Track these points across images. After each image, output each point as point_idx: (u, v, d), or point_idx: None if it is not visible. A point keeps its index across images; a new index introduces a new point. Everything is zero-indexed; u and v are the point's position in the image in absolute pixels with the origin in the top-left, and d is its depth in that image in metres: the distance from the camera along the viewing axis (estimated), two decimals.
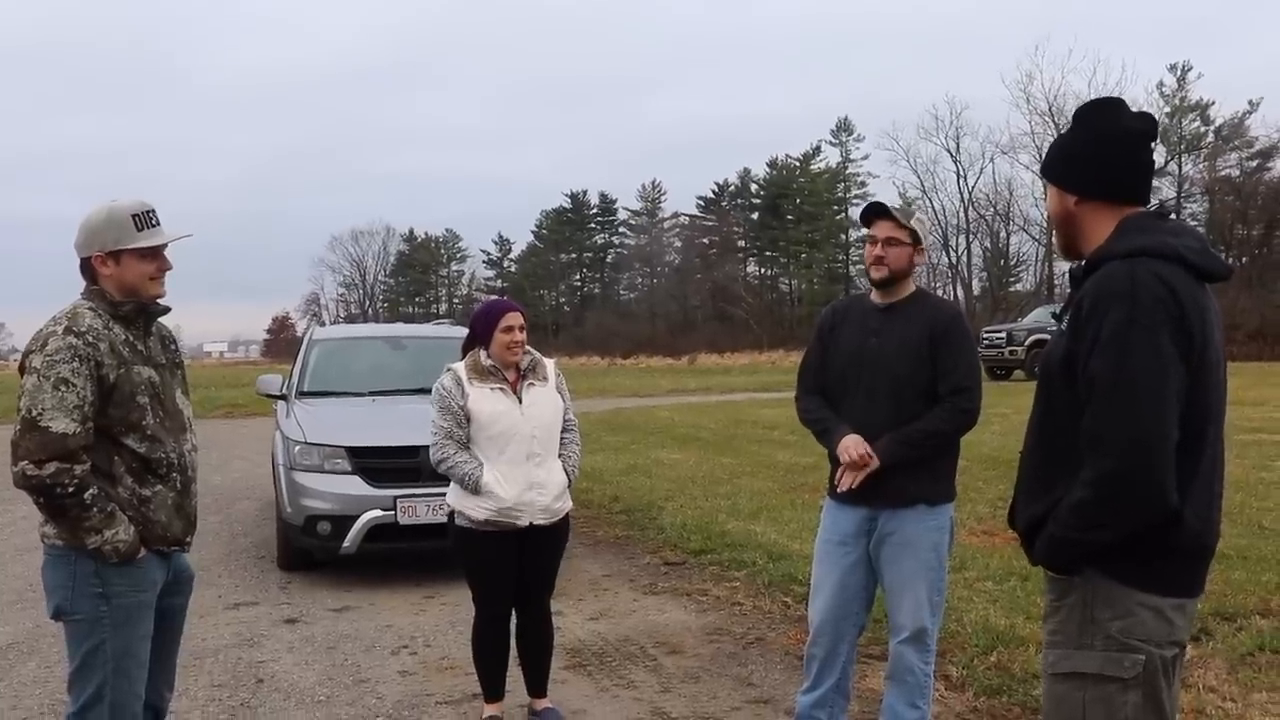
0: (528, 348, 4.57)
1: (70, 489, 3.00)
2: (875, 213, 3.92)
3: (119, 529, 3.09)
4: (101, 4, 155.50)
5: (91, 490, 3.04)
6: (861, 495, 3.88)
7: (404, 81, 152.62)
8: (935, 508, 3.88)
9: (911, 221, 3.89)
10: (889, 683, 4.00)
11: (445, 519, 4.76)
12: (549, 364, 4.68)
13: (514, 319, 4.47)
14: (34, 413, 2.99)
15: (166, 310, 3.34)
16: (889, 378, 3.84)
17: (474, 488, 4.37)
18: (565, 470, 4.58)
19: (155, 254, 3.24)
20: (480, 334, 4.53)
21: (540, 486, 4.45)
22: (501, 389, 4.46)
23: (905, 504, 3.84)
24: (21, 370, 3.11)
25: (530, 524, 4.44)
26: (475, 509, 4.40)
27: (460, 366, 4.55)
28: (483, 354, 4.51)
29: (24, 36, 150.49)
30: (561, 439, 4.62)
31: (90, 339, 3.07)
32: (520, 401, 4.47)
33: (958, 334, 3.89)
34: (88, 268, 3.23)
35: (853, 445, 3.82)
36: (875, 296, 3.99)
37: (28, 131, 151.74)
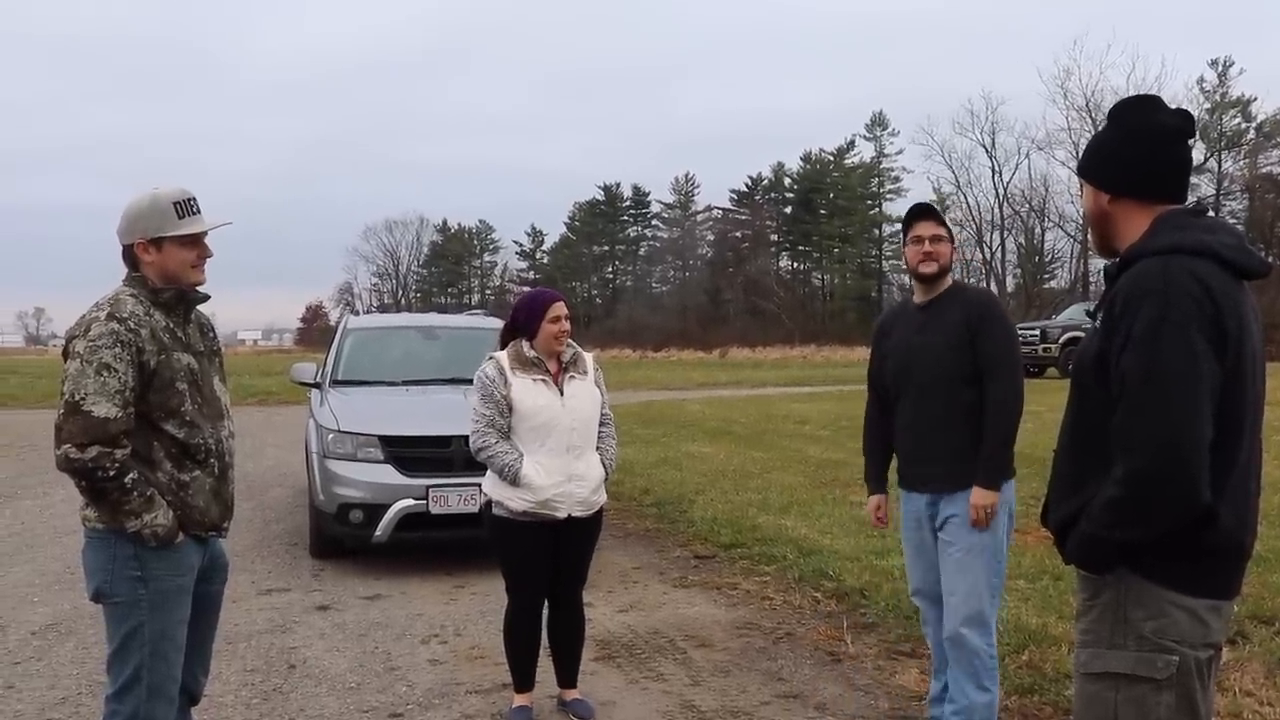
0: (570, 341, 4.57)
1: (111, 473, 3.04)
2: (919, 214, 4.15)
3: (158, 513, 3.13)
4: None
5: (132, 474, 3.09)
6: (922, 481, 4.13)
7: (439, 71, 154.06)
8: (995, 498, 3.97)
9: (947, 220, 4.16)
10: (954, 668, 4.06)
11: (477, 509, 4.77)
12: (588, 357, 4.70)
13: (560, 309, 4.48)
14: (77, 397, 3.04)
15: (206, 298, 3.38)
16: (935, 372, 4.04)
17: (513, 479, 4.38)
18: (603, 464, 4.60)
19: (196, 241, 3.28)
20: (525, 324, 4.52)
21: (580, 479, 4.47)
22: (544, 380, 4.46)
23: (963, 487, 3.98)
24: (65, 355, 3.16)
25: (568, 516, 4.46)
26: (514, 500, 4.41)
27: (503, 356, 4.53)
28: (525, 344, 4.51)
29: (61, 27, 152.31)
30: (599, 433, 4.64)
31: (132, 325, 3.12)
32: (561, 394, 4.48)
33: (991, 318, 4.06)
34: (130, 255, 3.27)
35: (871, 510, 4.46)
36: (918, 296, 4.19)
37: (67, 120, 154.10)
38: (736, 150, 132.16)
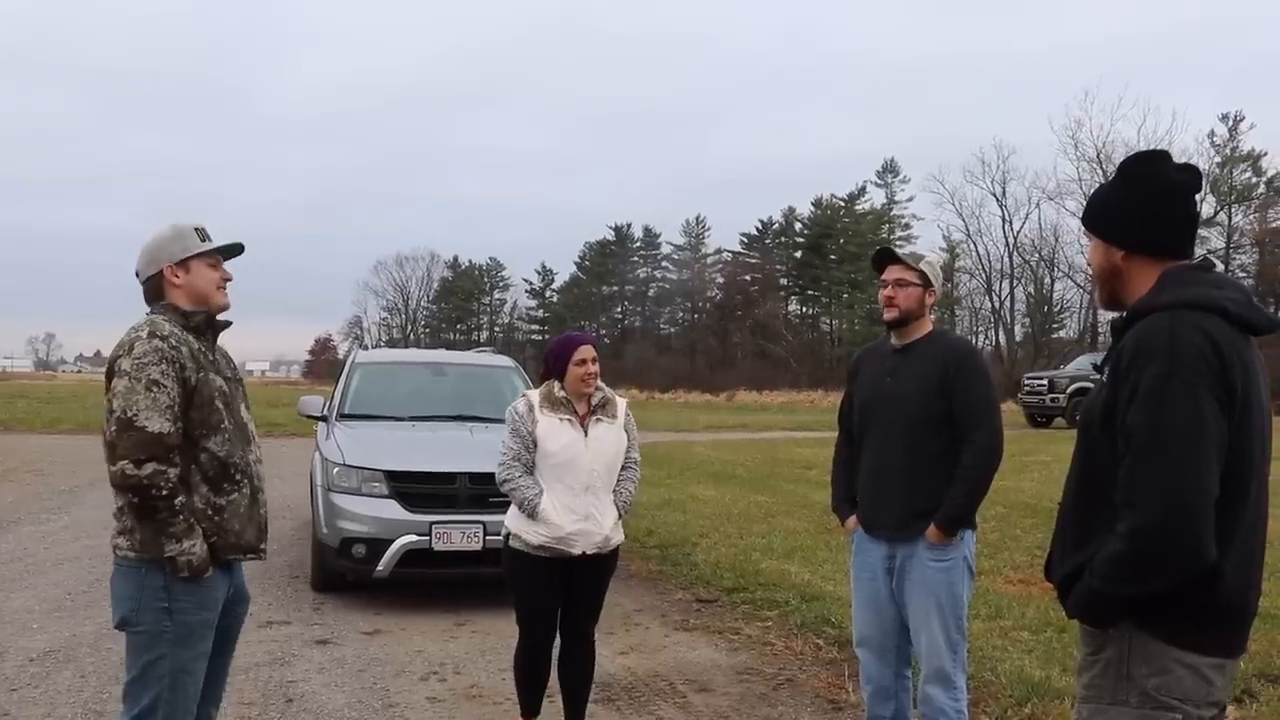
0: (601, 385, 4.70)
1: (165, 491, 3.10)
2: (884, 258, 4.11)
3: (195, 542, 3.19)
4: (165, 27, 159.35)
5: (181, 498, 3.15)
6: (880, 525, 4.06)
7: (454, 110, 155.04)
8: (949, 542, 3.92)
9: (921, 264, 4.05)
10: None
11: (480, 547, 4.80)
12: (621, 404, 4.82)
13: (586, 352, 4.62)
14: (129, 413, 3.09)
15: (229, 324, 3.48)
16: (903, 416, 3.97)
17: (531, 512, 4.50)
18: (615, 504, 4.67)
19: (217, 264, 3.42)
20: (554, 366, 4.67)
21: (596, 518, 4.56)
22: (570, 420, 4.59)
23: (918, 536, 3.93)
24: (109, 375, 3.22)
25: (582, 553, 4.53)
26: (531, 533, 4.51)
27: (534, 394, 4.71)
28: (556, 385, 4.65)
29: (77, 56, 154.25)
30: (620, 475, 4.73)
31: (173, 342, 3.21)
32: (586, 434, 4.59)
33: (970, 369, 3.99)
34: (154, 288, 3.37)
35: (851, 531, 4.24)
36: (894, 339, 4.14)
37: (76, 150, 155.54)
38: (747, 194, 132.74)
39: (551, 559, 4.52)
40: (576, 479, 4.53)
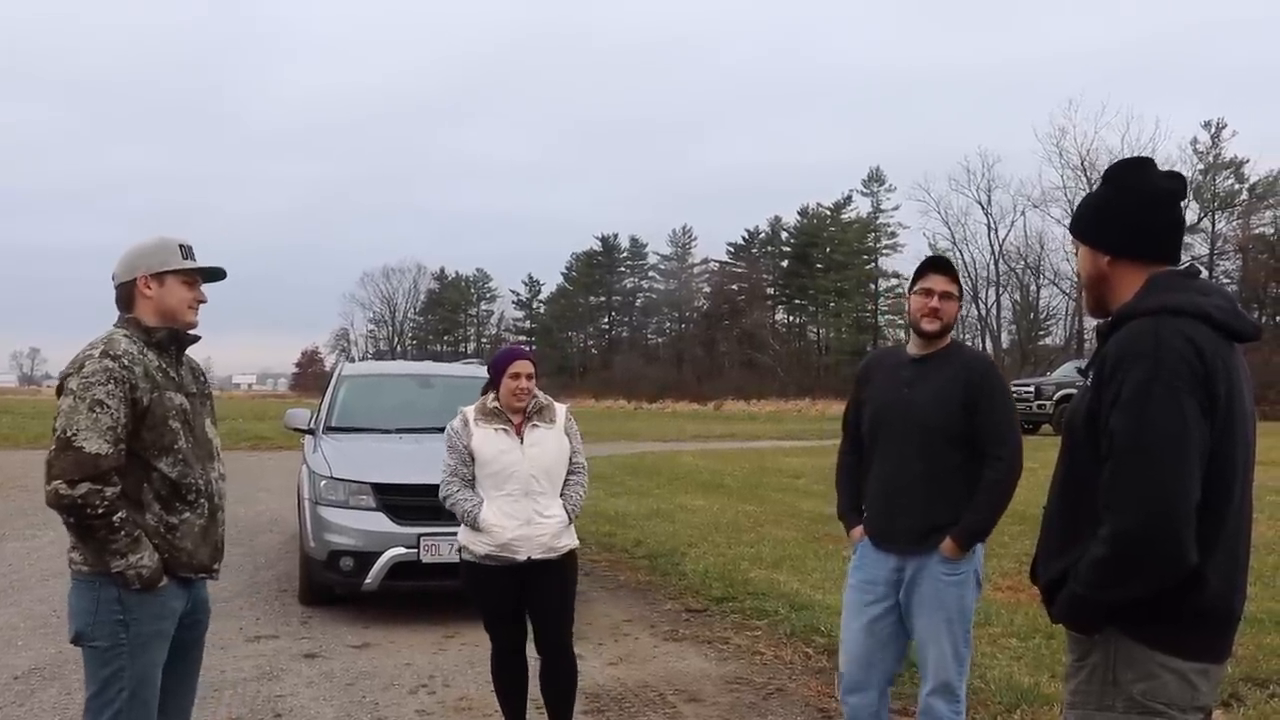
0: (538, 392, 4.74)
1: (100, 510, 3.06)
2: (934, 266, 4.02)
3: (144, 555, 3.14)
4: (147, 41, 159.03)
5: (120, 514, 3.10)
6: (891, 537, 3.95)
7: (447, 120, 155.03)
8: (963, 556, 3.87)
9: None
10: None
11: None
12: (560, 409, 4.85)
13: (521, 367, 4.66)
14: (69, 433, 3.07)
15: (197, 339, 3.44)
16: (921, 428, 3.88)
17: (472, 523, 4.56)
18: (565, 508, 4.70)
19: (193, 285, 3.38)
20: (492, 378, 4.75)
21: (540, 523, 4.58)
22: (505, 430, 4.65)
23: (934, 550, 3.86)
24: (59, 393, 3.20)
25: (529, 559, 4.55)
26: (477, 544, 4.58)
27: (470, 409, 4.76)
28: (491, 397, 4.73)
29: (66, 70, 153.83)
30: (567, 480, 4.77)
31: (125, 362, 3.16)
32: (522, 442, 4.64)
33: (993, 383, 3.94)
34: (125, 295, 3.34)
35: (856, 541, 4.12)
36: (912, 348, 4.04)
37: (62, 163, 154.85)
38: (733, 203, 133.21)
39: (502, 567, 4.56)
40: (515, 485, 4.58)
